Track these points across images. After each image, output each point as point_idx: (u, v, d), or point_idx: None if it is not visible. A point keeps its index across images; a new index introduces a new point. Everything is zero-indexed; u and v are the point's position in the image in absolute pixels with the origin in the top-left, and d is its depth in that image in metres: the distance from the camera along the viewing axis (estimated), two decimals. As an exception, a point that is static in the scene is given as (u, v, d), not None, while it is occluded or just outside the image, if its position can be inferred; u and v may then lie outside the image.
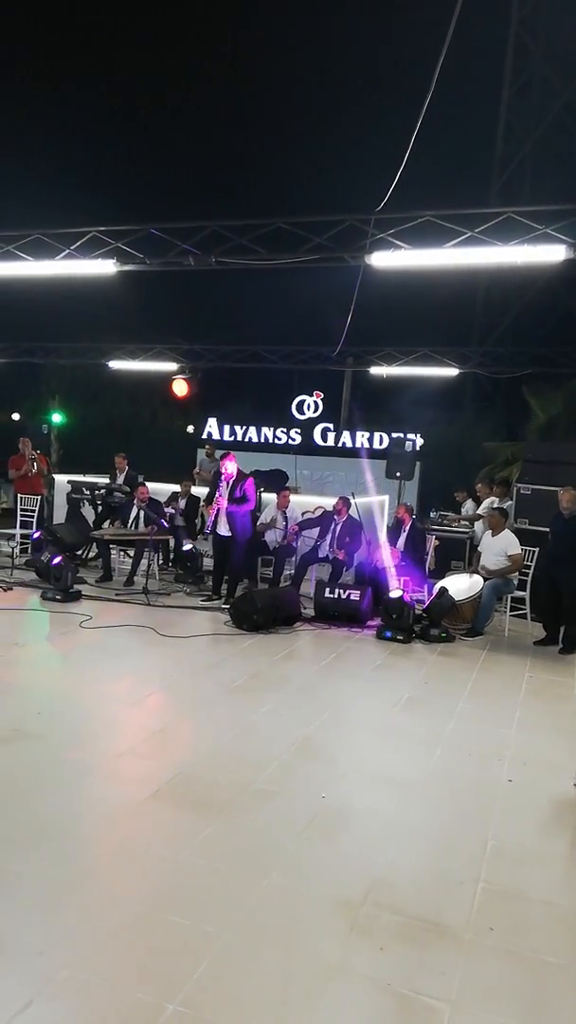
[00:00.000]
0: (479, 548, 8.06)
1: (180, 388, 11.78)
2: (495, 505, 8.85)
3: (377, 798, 3.76)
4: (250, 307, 17.58)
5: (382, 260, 6.90)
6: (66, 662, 5.84)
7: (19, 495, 10.37)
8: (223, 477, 8.00)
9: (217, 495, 7.98)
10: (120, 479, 10.30)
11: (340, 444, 15.59)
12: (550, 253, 6.22)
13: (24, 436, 11.06)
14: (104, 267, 8.00)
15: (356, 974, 2.46)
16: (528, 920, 2.82)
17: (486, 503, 9.58)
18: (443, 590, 7.31)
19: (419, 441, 14.14)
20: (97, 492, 10.24)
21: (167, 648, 6.30)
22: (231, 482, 7.94)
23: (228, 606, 7.56)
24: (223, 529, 7.97)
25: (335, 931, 2.66)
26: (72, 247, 7.52)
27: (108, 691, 5.13)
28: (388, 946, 2.60)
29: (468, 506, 10.88)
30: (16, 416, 17.87)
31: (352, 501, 8.58)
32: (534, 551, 7.82)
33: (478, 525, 9.68)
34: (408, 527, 8.35)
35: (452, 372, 11.67)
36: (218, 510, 7.94)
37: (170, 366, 12.52)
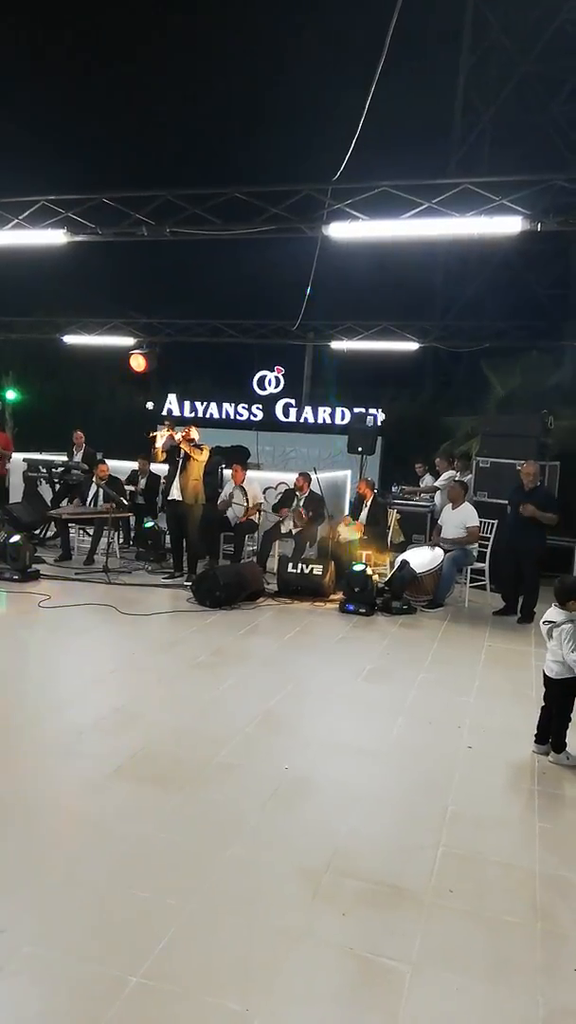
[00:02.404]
0: (439, 521, 8.14)
1: (137, 363, 11.56)
2: (457, 478, 8.92)
3: (339, 768, 3.79)
4: (208, 280, 17.18)
5: (339, 231, 6.81)
6: (24, 642, 5.74)
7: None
8: (183, 433, 7.86)
9: (172, 432, 7.79)
10: (78, 456, 10.12)
11: (302, 420, 15.56)
12: (507, 225, 6.22)
13: None
14: (54, 237, 7.74)
15: (319, 939, 2.48)
16: (487, 882, 2.88)
17: (445, 476, 9.66)
18: (404, 563, 7.37)
19: (380, 416, 14.20)
20: (54, 470, 10.04)
21: (128, 626, 6.25)
22: (189, 440, 7.80)
23: (190, 583, 7.51)
24: (175, 493, 7.86)
25: (298, 898, 2.69)
26: (20, 217, 7.24)
27: (68, 670, 5.08)
28: (350, 911, 2.63)
29: (427, 480, 10.97)
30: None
31: (313, 476, 8.56)
32: (493, 523, 7.92)
33: (439, 498, 9.77)
34: (370, 501, 8.38)
35: (412, 347, 11.66)
36: (169, 439, 7.74)
37: (127, 341, 12.27)
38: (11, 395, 14.61)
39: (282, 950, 2.42)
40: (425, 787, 3.64)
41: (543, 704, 4.11)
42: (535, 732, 4.12)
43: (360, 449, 10.32)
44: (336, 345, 11.94)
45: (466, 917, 2.65)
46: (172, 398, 15.94)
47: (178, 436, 7.74)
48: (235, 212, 6.93)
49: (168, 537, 8.59)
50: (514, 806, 3.55)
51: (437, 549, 7.71)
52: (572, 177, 5.70)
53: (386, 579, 7.42)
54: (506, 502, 7.52)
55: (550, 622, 4.00)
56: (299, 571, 7.58)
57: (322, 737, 4.17)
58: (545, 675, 4.05)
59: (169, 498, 7.94)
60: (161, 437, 7.90)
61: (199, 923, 2.52)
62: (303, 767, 3.76)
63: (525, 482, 6.97)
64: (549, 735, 4.05)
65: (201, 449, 7.83)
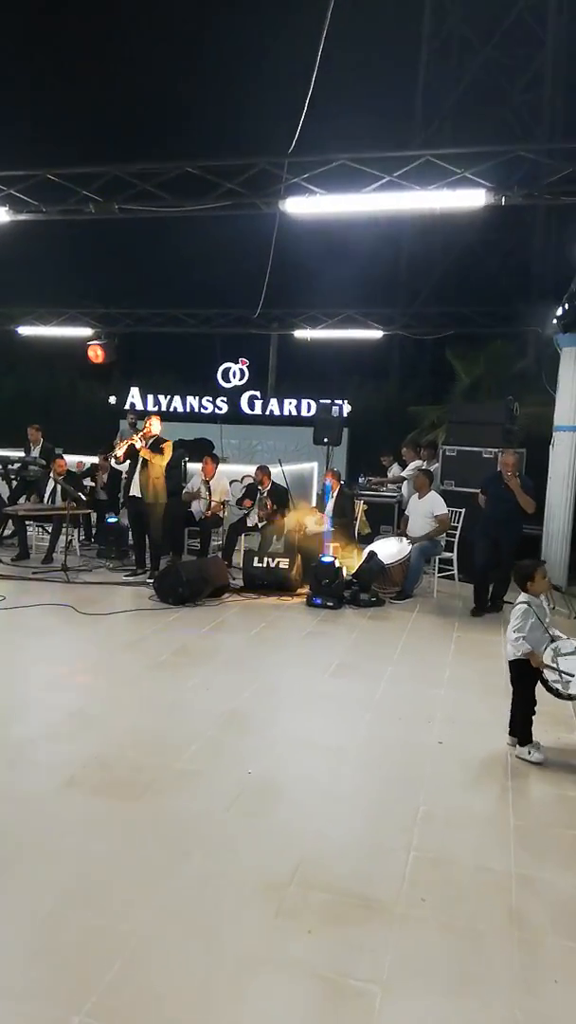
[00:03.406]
0: (406, 512, 8.01)
1: (96, 354, 11.23)
2: (423, 467, 8.80)
3: (306, 769, 3.62)
4: (165, 266, 16.67)
5: (297, 206, 6.53)
6: (-23, 646, 5.47)
7: None
8: (143, 431, 7.63)
9: (131, 434, 7.59)
10: (35, 452, 9.78)
11: (268, 412, 15.33)
12: (470, 198, 6.05)
13: None
14: None
15: (283, 962, 2.30)
16: (460, 888, 2.73)
17: (412, 466, 9.54)
18: (372, 554, 7.23)
19: (346, 407, 14.04)
20: (10, 466, 9.70)
21: (87, 626, 6.00)
22: (150, 439, 7.57)
23: (152, 580, 7.28)
24: (135, 490, 7.63)
25: (260, 917, 2.50)
26: None
27: (22, 673, 4.83)
28: (316, 928, 2.45)
29: (394, 470, 10.84)
30: None
31: (278, 468, 8.38)
32: (461, 512, 7.81)
33: (406, 488, 9.65)
34: (336, 492, 8.21)
35: (377, 335, 11.48)
36: (130, 448, 7.52)
37: (85, 331, 11.92)
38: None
39: (243, 978, 2.23)
40: (395, 786, 3.49)
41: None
42: (509, 724, 3.99)
43: (326, 440, 10.11)
44: (300, 334, 11.72)
45: (439, 928, 2.49)
46: (135, 392, 15.58)
47: (139, 445, 7.50)
48: (187, 188, 6.59)
49: (131, 533, 8.34)
50: (487, 803, 3.41)
51: (405, 540, 7.58)
52: (537, 148, 5.55)
53: (354, 571, 7.26)
54: (477, 491, 7.35)
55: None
56: (265, 565, 7.39)
57: (288, 737, 3.99)
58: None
59: (130, 494, 7.68)
60: (121, 447, 7.66)
61: (152, 950, 2.32)
62: (268, 770, 3.57)
63: (504, 471, 6.76)
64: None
65: (163, 452, 7.58)
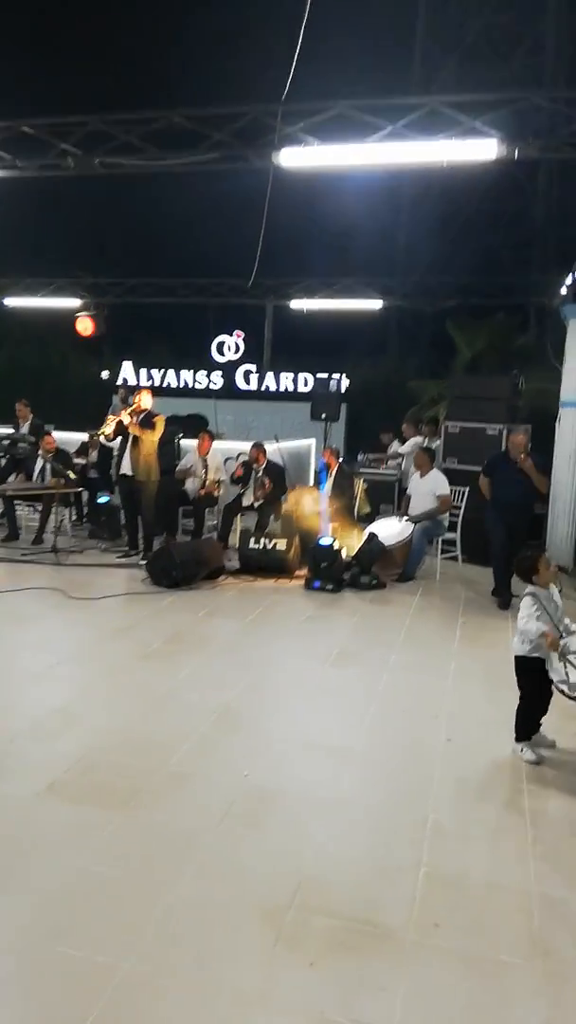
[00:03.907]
0: (408, 491, 7.72)
1: (84, 326, 10.83)
2: (424, 444, 8.50)
3: (305, 771, 3.38)
4: (155, 232, 15.87)
5: (292, 158, 6.02)
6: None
7: None
8: (132, 405, 7.31)
9: (121, 409, 7.28)
10: (24, 428, 9.44)
11: (263, 387, 14.96)
12: (481, 150, 5.59)
13: None
14: None
15: (283, 1000, 2.07)
16: (477, 911, 2.49)
17: (411, 443, 9.25)
18: (372, 535, 6.95)
19: (344, 382, 13.68)
20: (-2, 443, 9.37)
21: (77, 612, 5.74)
22: (141, 415, 7.27)
23: (145, 562, 7.01)
24: (126, 468, 7.33)
25: (258, 946, 2.27)
26: None
27: (6, 664, 4.57)
28: (319, 960, 2.22)
29: (394, 447, 10.54)
30: None
31: (275, 445, 8.08)
32: (464, 491, 7.53)
33: (405, 465, 9.37)
34: (335, 471, 7.92)
35: (376, 305, 11.06)
36: (119, 425, 7.22)
37: (74, 302, 11.50)
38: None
39: (239, 1018, 2.00)
40: (402, 792, 3.25)
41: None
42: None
43: (324, 416, 9.84)
44: (296, 304, 11.29)
45: (455, 960, 2.26)
46: (127, 366, 15.18)
47: (127, 420, 7.18)
48: (174, 140, 6.09)
49: (122, 513, 8.06)
50: (501, 811, 3.17)
51: (405, 519, 7.31)
52: (555, 96, 5.13)
53: (354, 553, 6.99)
54: (477, 468, 7.04)
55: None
56: (262, 546, 7.12)
57: (286, 735, 3.75)
58: None
59: (121, 472, 7.38)
60: (110, 424, 7.34)
61: (137, 987, 2.08)
62: (265, 773, 3.33)
63: (513, 452, 6.38)
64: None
65: (154, 427, 7.28)
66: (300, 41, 4.57)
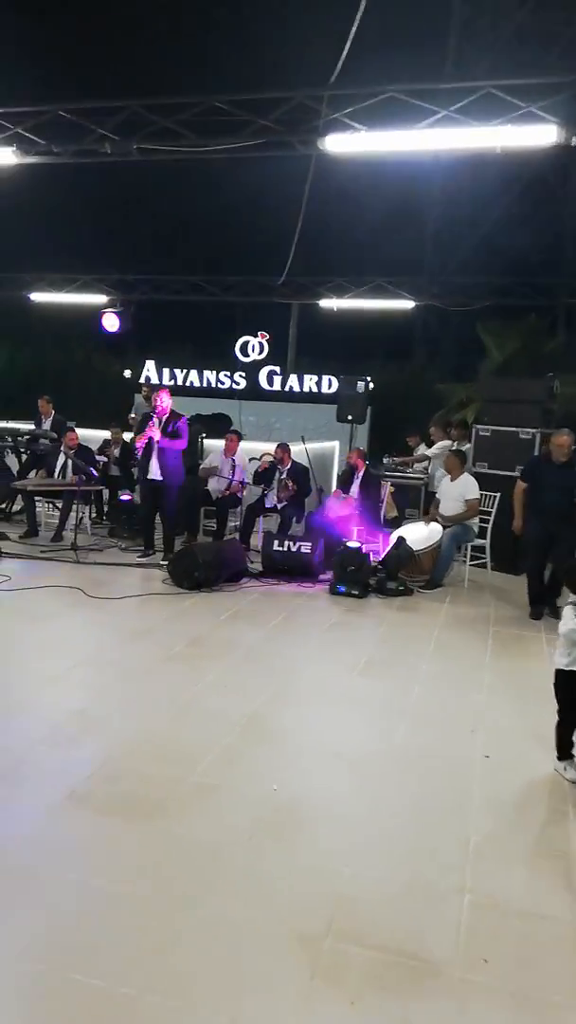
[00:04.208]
0: (436, 495, 7.52)
1: (111, 322, 10.74)
2: (454, 447, 8.29)
3: (337, 786, 3.20)
4: (185, 228, 15.60)
5: (339, 144, 5.74)
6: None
7: None
8: (156, 412, 7.19)
9: (149, 425, 7.14)
10: (46, 424, 9.37)
11: (287, 388, 14.82)
12: (539, 135, 5.31)
13: None
14: (1, 157, 6.46)
15: (321, 1043, 1.89)
16: (527, 944, 2.31)
17: (438, 446, 9.03)
18: (400, 540, 6.76)
19: (369, 384, 13.49)
20: (20, 439, 9.30)
21: (96, 611, 5.61)
22: (164, 417, 7.15)
23: (166, 562, 6.87)
24: (154, 473, 7.19)
25: (294, 979, 2.10)
26: None
27: (23, 665, 4.43)
28: (360, 997, 2.04)
29: (421, 451, 10.33)
30: None
31: (302, 446, 7.92)
32: (495, 496, 7.32)
33: (432, 468, 9.16)
34: (362, 473, 7.74)
35: (407, 305, 10.83)
36: (148, 442, 7.11)
37: (99, 299, 11.41)
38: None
39: (273, 1063, 1.83)
40: (440, 811, 3.06)
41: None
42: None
43: (350, 417, 9.67)
44: (325, 303, 11.08)
45: (508, 1001, 2.07)
46: (150, 365, 15.10)
47: (157, 436, 7.05)
48: (214, 125, 5.94)
49: (141, 513, 7.91)
50: (545, 833, 2.98)
51: (434, 524, 7.11)
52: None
53: (380, 557, 6.80)
54: (511, 473, 6.83)
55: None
56: (285, 549, 6.96)
57: (315, 746, 3.57)
58: None
59: (148, 477, 7.19)
60: (141, 440, 7.19)
61: (163, 1024, 1.92)
62: (295, 786, 3.16)
63: (556, 454, 6.06)
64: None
65: (180, 438, 7.18)
66: (356, 24, 4.36)
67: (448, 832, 2.89)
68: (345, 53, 4.66)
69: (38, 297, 11.92)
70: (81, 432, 8.61)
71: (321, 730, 3.77)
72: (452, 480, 7.25)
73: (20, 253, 12.15)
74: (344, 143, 5.56)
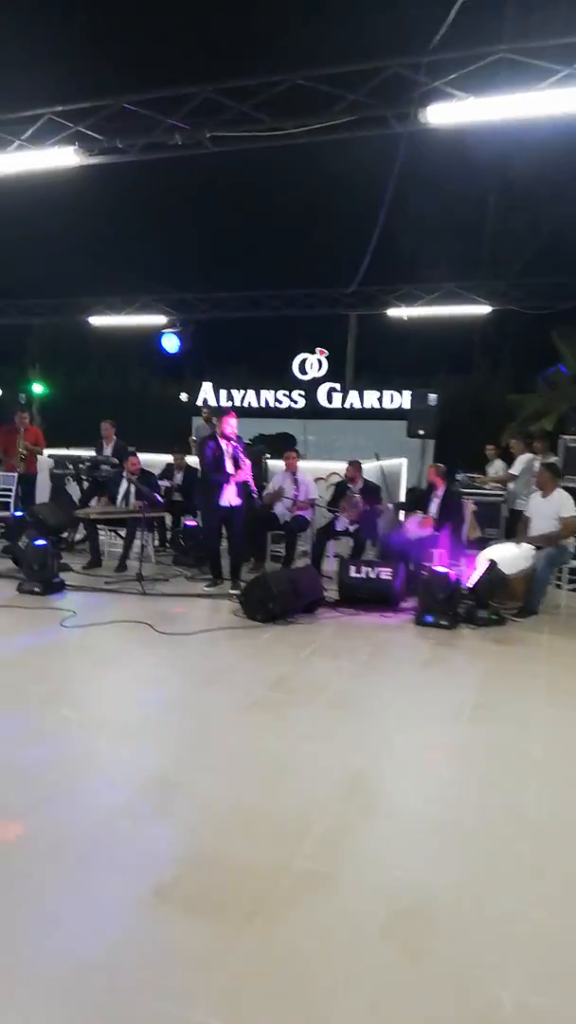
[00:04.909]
0: (526, 513, 6.92)
1: (171, 343, 10.49)
2: (544, 460, 7.67)
3: (471, 873, 2.66)
4: (247, 240, 15.00)
5: (442, 115, 5.04)
6: (38, 678, 4.67)
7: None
8: (229, 438, 6.76)
9: (238, 462, 6.71)
10: (107, 450, 9.12)
11: (347, 405, 14.39)
12: None
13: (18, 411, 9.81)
14: (62, 158, 5.93)
15: None
16: None
17: (522, 460, 8.42)
18: (492, 564, 6.17)
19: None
20: (81, 466, 9.07)
21: (167, 649, 5.19)
22: (237, 447, 6.78)
23: (237, 592, 6.44)
24: (230, 499, 6.78)
25: None
26: (23, 137, 5.76)
27: (95, 717, 4.01)
28: None
29: (497, 465, 9.73)
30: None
31: (376, 463, 7.43)
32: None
33: (511, 486, 8.55)
34: (443, 491, 7.19)
35: (483, 310, 10.18)
36: (219, 459, 6.71)
37: (158, 320, 11.18)
38: (38, 388, 13.69)
39: None
40: (604, 909, 2.48)
41: None
42: None
43: (422, 432, 9.17)
44: (394, 313, 10.54)
45: None
46: (207, 387, 14.91)
47: (244, 472, 6.70)
48: (297, 106, 5.33)
49: (207, 542, 7.50)
50: None
51: (525, 546, 6.50)
52: None
53: (470, 583, 6.22)
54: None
55: None
56: (363, 575, 6.45)
57: (435, 817, 3.03)
58: None
59: (222, 504, 6.77)
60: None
61: None
62: (420, 875, 2.63)
63: None
64: None
65: (248, 463, 6.82)
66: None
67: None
68: (454, 11, 4.16)
69: (97, 321, 11.78)
70: (142, 457, 8.32)
71: (439, 794, 3.23)
72: (544, 496, 6.65)
73: (79, 276, 12.05)
74: (449, 113, 4.97)
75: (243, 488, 6.81)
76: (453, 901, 2.50)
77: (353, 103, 5.04)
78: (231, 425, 6.76)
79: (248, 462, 6.87)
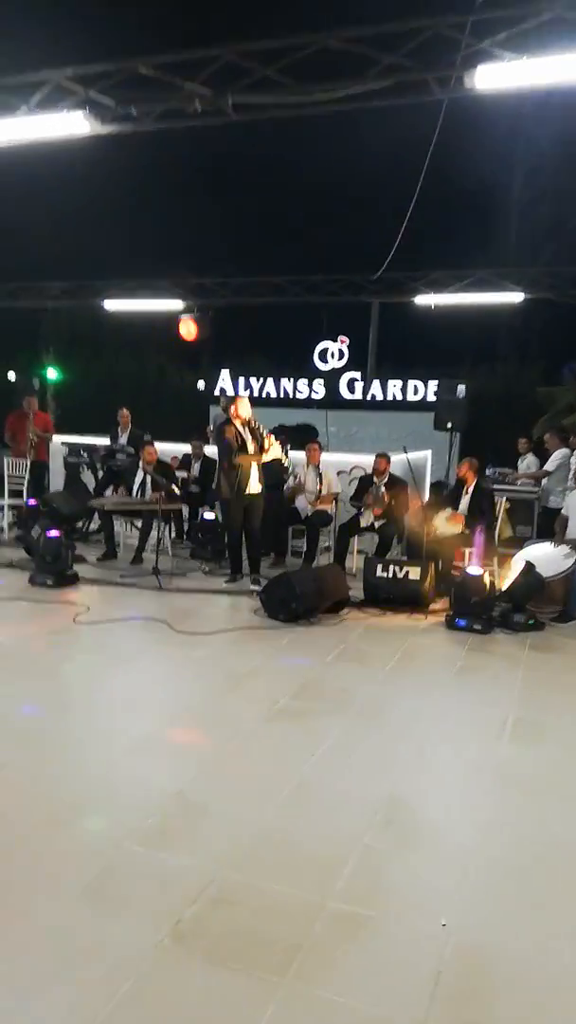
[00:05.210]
0: (563, 511, 6.57)
1: (188, 330, 10.16)
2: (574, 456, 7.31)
3: (532, 922, 2.36)
4: (270, 222, 14.54)
5: (489, 78, 4.56)
6: (48, 681, 4.40)
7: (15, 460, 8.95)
8: (240, 421, 6.49)
9: (261, 441, 6.46)
10: (123, 438, 8.85)
11: (369, 396, 14.01)
12: None
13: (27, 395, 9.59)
14: (73, 125, 5.40)
15: None
16: None
17: (558, 455, 8.05)
18: (530, 565, 5.83)
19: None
20: (96, 454, 8.82)
21: (185, 649, 4.92)
22: (252, 427, 6.51)
23: (258, 588, 6.15)
24: (254, 486, 6.51)
25: None
26: (31, 102, 5.29)
27: (108, 724, 3.74)
28: None
29: (529, 460, 9.35)
30: (12, 375, 16.27)
31: (403, 456, 7.11)
32: (633, 513, 6.32)
33: (545, 482, 8.19)
34: (473, 487, 6.85)
35: (516, 298, 9.76)
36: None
37: (175, 304, 10.85)
38: (52, 374, 13.43)
39: None
40: None
41: None
42: None
43: (449, 425, 8.82)
44: (421, 300, 10.15)
45: None
46: (225, 374, 14.59)
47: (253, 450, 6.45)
48: (326, 70, 4.85)
49: (227, 533, 7.22)
50: None
51: (564, 547, 6.16)
52: None
53: (505, 586, 5.90)
54: None
55: None
56: (390, 575, 6.13)
57: (480, 850, 2.73)
58: None
59: (247, 492, 6.49)
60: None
61: None
62: (469, 919, 2.33)
63: None
64: None
65: (270, 446, 6.56)
66: None
67: None
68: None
69: (112, 305, 11.47)
70: (158, 446, 8.05)
71: (481, 824, 2.92)
72: (583, 494, 6.30)
73: (94, 259, 11.74)
74: (498, 76, 4.49)
75: (272, 469, 6.56)
76: (514, 955, 2.20)
77: (389, 66, 4.61)
78: (244, 406, 6.50)
79: (272, 437, 6.62)
